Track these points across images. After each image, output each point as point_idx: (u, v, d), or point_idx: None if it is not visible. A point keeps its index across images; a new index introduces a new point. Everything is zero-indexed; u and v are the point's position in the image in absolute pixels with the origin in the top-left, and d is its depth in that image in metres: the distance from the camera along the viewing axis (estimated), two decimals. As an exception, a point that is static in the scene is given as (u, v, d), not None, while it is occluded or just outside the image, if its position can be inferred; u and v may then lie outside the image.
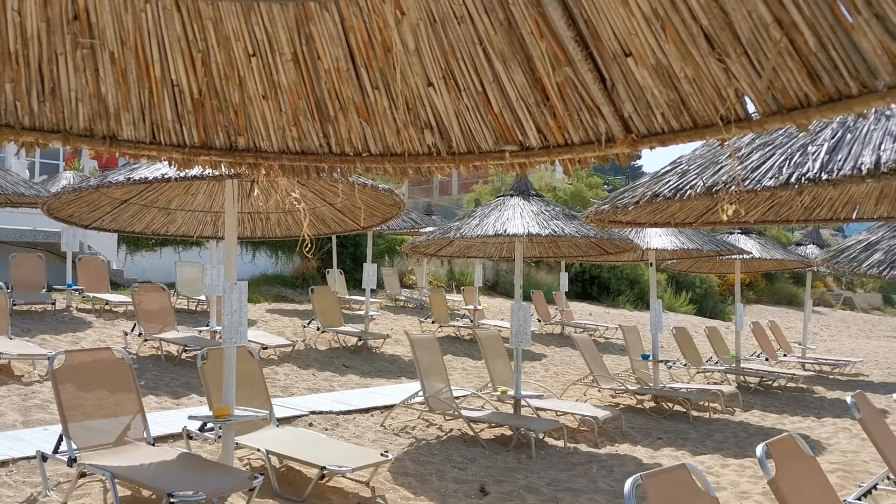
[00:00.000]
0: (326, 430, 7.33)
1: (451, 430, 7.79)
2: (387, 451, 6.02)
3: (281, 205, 6.14)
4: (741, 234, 13.24)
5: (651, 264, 10.63)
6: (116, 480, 4.53)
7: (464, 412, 7.66)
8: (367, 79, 1.63)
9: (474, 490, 5.83)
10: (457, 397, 8.41)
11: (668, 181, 2.83)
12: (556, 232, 7.62)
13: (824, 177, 2.25)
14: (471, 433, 7.48)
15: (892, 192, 4.25)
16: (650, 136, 1.54)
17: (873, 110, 2.48)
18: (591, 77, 1.45)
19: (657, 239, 10.50)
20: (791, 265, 14.50)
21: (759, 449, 3.70)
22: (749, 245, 12.86)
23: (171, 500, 4.22)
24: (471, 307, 15.95)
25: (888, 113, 2.46)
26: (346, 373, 10.35)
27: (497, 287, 22.76)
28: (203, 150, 1.75)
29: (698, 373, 12.33)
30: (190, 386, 8.37)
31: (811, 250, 15.13)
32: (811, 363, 14.86)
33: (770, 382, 12.22)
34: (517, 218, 7.86)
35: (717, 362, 12.89)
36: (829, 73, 1.27)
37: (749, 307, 27.60)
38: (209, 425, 6.09)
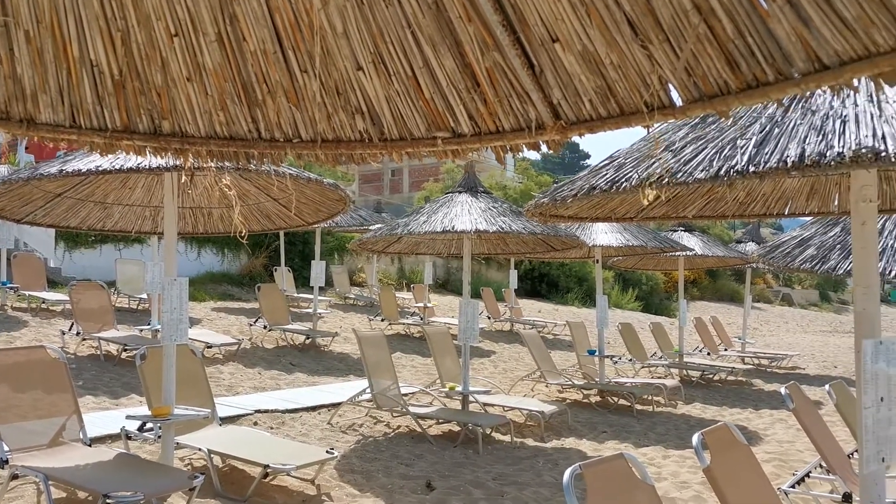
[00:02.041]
0: (272, 428, 7.23)
1: (399, 426, 7.77)
2: (333, 449, 5.96)
3: (224, 200, 6.02)
4: (684, 231, 13.53)
5: (597, 261, 10.79)
6: (50, 482, 4.38)
7: (412, 409, 7.65)
8: (296, 62, 1.60)
9: (421, 486, 5.82)
10: (405, 394, 8.40)
11: (605, 174, 2.87)
12: (503, 228, 7.66)
13: (752, 169, 2.30)
14: (418, 429, 7.47)
15: (821, 189, 4.39)
16: (579, 123, 1.55)
17: (796, 100, 2.56)
18: (519, 63, 1.45)
19: (603, 236, 10.64)
20: (731, 262, 14.90)
21: (695, 439, 3.78)
22: (692, 242, 13.14)
23: (108, 500, 4.11)
24: (421, 305, 15.96)
25: (813, 108, 2.53)
26: (294, 371, 10.23)
27: (448, 285, 22.80)
28: (126, 134, 1.70)
29: (643, 368, 12.56)
30: (130, 386, 8.16)
31: (750, 247, 15.56)
32: (750, 357, 15.29)
33: (711, 376, 12.53)
34: (465, 214, 7.87)
35: (661, 357, 13.15)
36: (747, 60, 1.29)
37: (693, 304, 28.26)
38: (148, 425, 5.94)
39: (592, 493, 3.12)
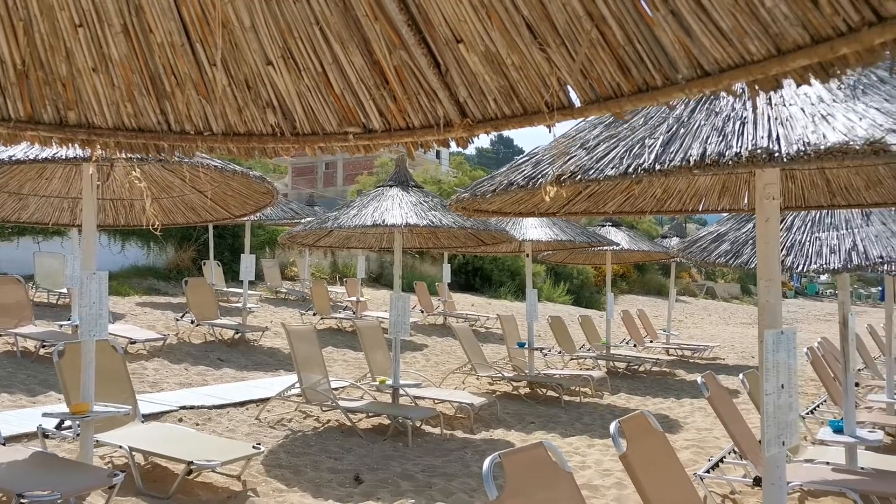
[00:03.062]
0: (197, 425, 7.11)
1: (329, 421, 7.75)
2: (259, 444, 5.91)
3: (148, 191, 5.88)
4: (612, 226, 13.89)
5: (527, 255, 10.98)
6: (-41, 484, 4.22)
7: (341, 403, 7.65)
8: (204, 55, 1.60)
9: (349, 479, 5.84)
10: (335, 388, 8.38)
11: (523, 170, 2.95)
12: (433, 222, 7.71)
13: (658, 167, 2.41)
14: (348, 424, 7.47)
15: (732, 187, 4.60)
16: (485, 121, 1.60)
17: (702, 102, 2.69)
18: (425, 61, 1.49)
19: (533, 231, 10.83)
20: (656, 256, 15.37)
21: (613, 426, 3.91)
22: (619, 237, 13.50)
23: (22, 500, 3.98)
24: (353, 299, 15.90)
25: (717, 110, 2.66)
26: (222, 367, 10.06)
27: (381, 279, 22.77)
28: (30, 124, 1.66)
29: (572, 359, 12.85)
30: (48, 383, 7.88)
31: (674, 242, 16.09)
32: (674, 348, 15.82)
33: (637, 367, 12.91)
34: (396, 208, 7.88)
35: (589, 349, 13.48)
36: (637, 65, 1.37)
37: (622, 297, 29.00)
38: (67, 423, 5.77)
39: (511, 480, 3.21)
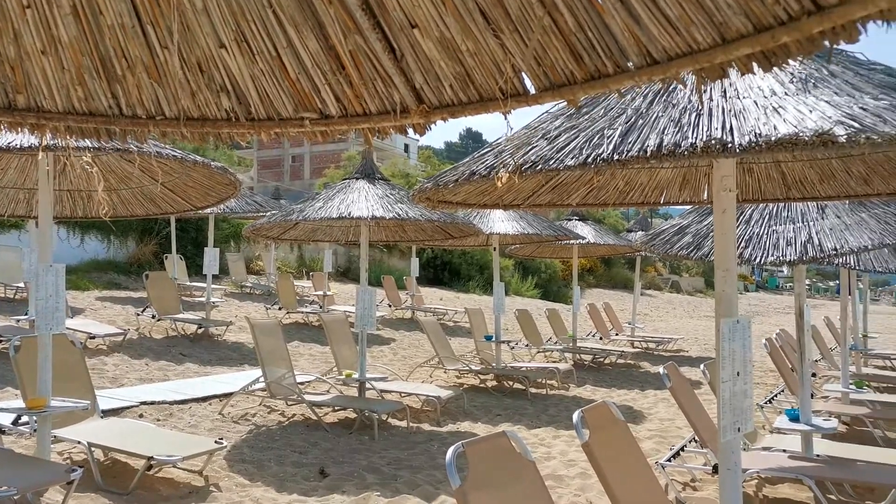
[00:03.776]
0: (158, 420, 7.02)
1: (294, 415, 7.71)
2: (222, 439, 5.86)
3: (106, 182, 5.77)
4: (578, 220, 14.00)
5: (495, 249, 11.02)
6: None
7: (307, 397, 7.61)
8: (155, 37, 1.58)
9: (314, 473, 5.82)
10: (300, 383, 8.34)
11: (485, 160, 2.96)
12: (400, 215, 7.69)
13: (616, 157, 2.44)
14: (314, 418, 7.44)
15: (692, 179, 4.67)
16: (441, 107, 1.61)
17: (660, 94, 2.73)
18: (380, 46, 1.49)
19: (500, 224, 10.88)
20: (622, 250, 15.54)
21: (576, 416, 3.95)
22: (585, 231, 13.62)
23: (-26, 498, 3.90)
24: (320, 293, 15.81)
25: (674, 102, 2.71)
26: (184, 362, 9.93)
27: (349, 273, 22.68)
28: (-23, 108, 1.63)
29: (538, 352, 12.95)
30: (5, 379, 7.71)
31: (639, 236, 16.28)
32: (639, 341, 16.03)
33: (602, 359, 13.06)
34: (362, 201, 7.85)
35: (556, 342, 13.59)
36: (589, 52, 1.38)
37: (589, 291, 29.30)
38: (24, 418, 5.66)
39: (474, 469, 3.23)
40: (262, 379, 7.47)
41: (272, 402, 7.94)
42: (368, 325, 7.92)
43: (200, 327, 11.63)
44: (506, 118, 1.55)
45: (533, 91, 1.51)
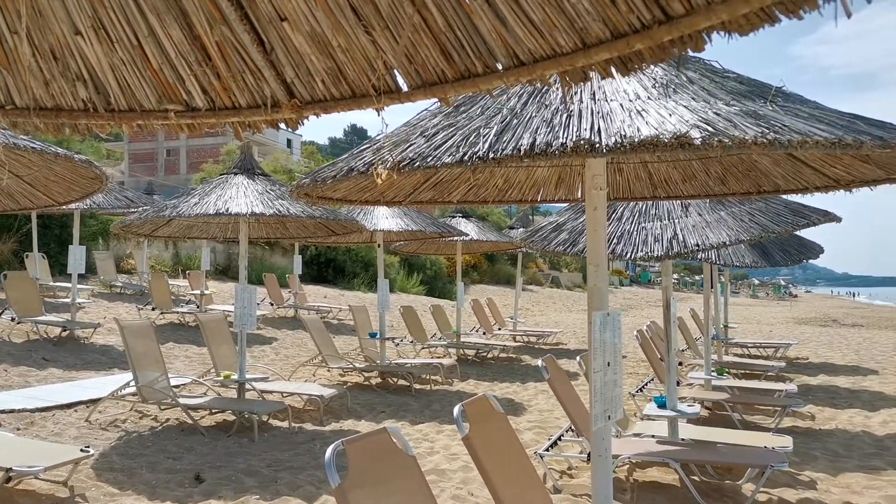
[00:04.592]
0: (18, 430, 6.54)
1: (168, 420, 7.39)
2: (89, 447, 5.53)
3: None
4: (462, 217, 14.22)
5: (379, 245, 11.00)
6: None
7: (182, 400, 7.31)
8: (3, 21, 1.47)
9: (189, 479, 5.60)
10: (175, 386, 8.00)
11: (364, 157, 2.95)
12: (280, 212, 7.52)
13: (491, 156, 2.50)
14: (189, 421, 7.16)
15: (567, 178, 4.85)
16: (314, 102, 1.58)
17: (534, 95, 2.81)
18: (248, 38, 1.45)
19: (384, 221, 10.88)
20: (503, 246, 15.93)
21: (456, 410, 4.01)
22: (468, 228, 13.85)
23: None
24: (197, 292, 15.22)
25: (547, 103, 2.80)
26: (47, 367, 9.29)
27: (229, 271, 21.97)
28: None
29: (423, 348, 13.04)
30: None
31: (520, 233, 16.74)
32: (520, 335, 16.48)
33: (485, 354, 13.33)
34: (241, 197, 7.62)
35: (440, 338, 13.74)
36: (459, 52, 1.41)
37: (473, 287, 29.80)
38: None
39: (354, 467, 3.21)
40: (132, 383, 7.10)
41: (144, 407, 7.57)
42: (248, 325, 7.71)
43: (65, 330, 10.91)
44: (379, 115, 1.55)
45: (405, 89, 1.51)
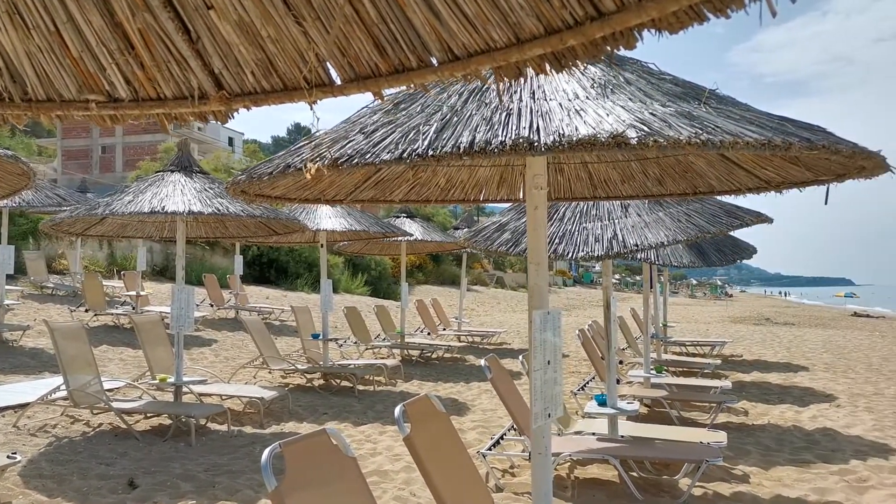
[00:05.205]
0: (-63, 438, 6.23)
1: (101, 424, 7.15)
2: (15, 454, 5.30)
3: None
4: (406, 217, 14.18)
5: (322, 245, 10.87)
6: None
7: (115, 404, 7.07)
8: None
9: (122, 485, 5.42)
10: (109, 389, 7.74)
11: (302, 153, 2.90)
12: (220, 210, 7.36)
13: (430, 153, 2.48)
14: (123, 426, 6.94)
15: (509, 178, 4.87)
16: (243, 94, 1.54)
17: (475, 93, 2.81)
18: (173, 27, 1.40)
19: (327, 220, 10.77)
20: (448, 246, 15.95)
21: (397, 410, 3.98)
22: (413, 228, 13.82)
23: None
24: (133, 293, 14.79)
25: (487, 101, 2.80)
26: (-29, 371, 8.90)
27: (167, 272, 21.43)
28: None
29: (367, 349, 12.95)
30: None
31: (465, 233, 16.78)
32: (465, 335, 16.53)
33: (430, 354, 13.32)
34: (178, 195, 7.42)
35: (384, 339, 13.67)
36: (392, 45, 1.38)
37: (419, 287, 29.79)
38: None
39: (291, 469, 3.15)
40: (63, 387, 6.84)
41: (76, 412, 7.31)
42: (185, 326, 7.52)
43: (-9, 333, 10.46)
44: (311, 108, 1.52)
45: (339, 82, 1.48)
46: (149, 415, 7.37)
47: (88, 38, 1.45)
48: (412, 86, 1.44)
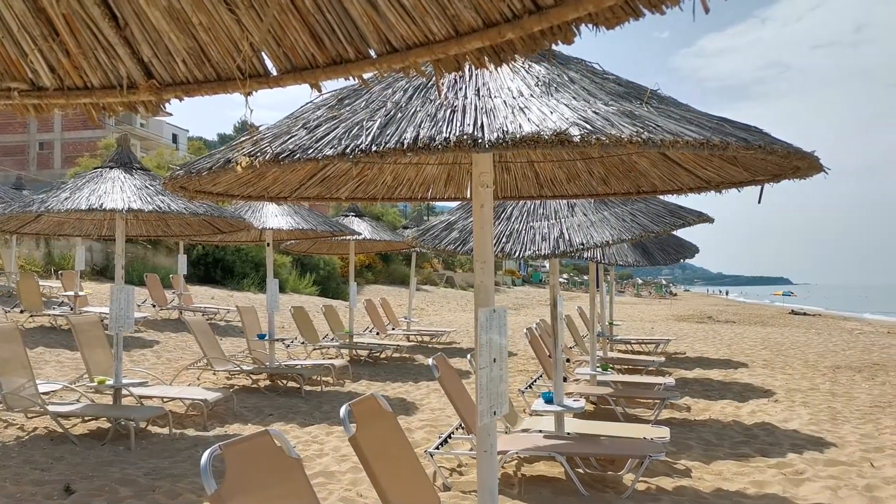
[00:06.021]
0: None
1: (35, 428, 6.90)
2: (-60, 462, 5.07)
3: None
4: (355, 216, 14.08)
5: (269, 244, 10.71)
6: None
7: (51, 408, 6.83)
8: None
9: (57, 490, 5.24)
10: (45, 392, 7.46)
11: (243, 148, 2.84)
12: (161, 208, 7.17)
13: (374, 149, 2.46)
14: (59, 430, 6.71)
15: (457, 176, 4.87)
16: (175, 84, 1.49)
17: (420, 89, 2.79)
18: (99, 12, 1.34)
19: (274, 219, 10.61)
20: (398, 246, 15.91)
21: (343, 410, 3.93)
22: (362, 227, 13.73)
23: None
24: (71, 293, 14.33)
25: (432, 98, 2.78)
26: None
27: (108, 272, 20.81)
28: None
29: (315, 349, 12.81)
30: None
31: (414, 232, 16.76)
32: (414, 335, 16.50)
33: (378, 354, 13.24)
34: (117, 192, 7.21)
35: (332, 339, 13.55)
36: (329, 36, 1.36)
37: (368, 287, 29.63)
38: None
39: (232, 472, 3.08)
40: (-6, 391, 6.58)
41: (9, 416, 7.04)
42: (125, 327, 7.31)
43: (-83, 335, 9.97)
44: (246, 100, 1.47)
45: (275, 73, 1.45)
46: (86, 418, 7.14)
47: (9, 23, 1.38)
48: (350, 78, 1.42)
